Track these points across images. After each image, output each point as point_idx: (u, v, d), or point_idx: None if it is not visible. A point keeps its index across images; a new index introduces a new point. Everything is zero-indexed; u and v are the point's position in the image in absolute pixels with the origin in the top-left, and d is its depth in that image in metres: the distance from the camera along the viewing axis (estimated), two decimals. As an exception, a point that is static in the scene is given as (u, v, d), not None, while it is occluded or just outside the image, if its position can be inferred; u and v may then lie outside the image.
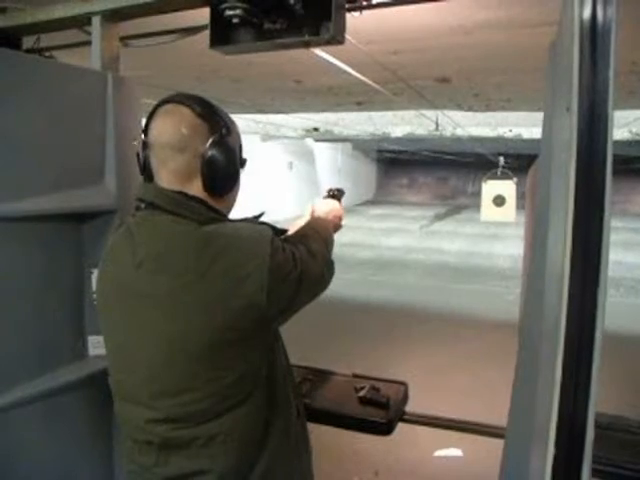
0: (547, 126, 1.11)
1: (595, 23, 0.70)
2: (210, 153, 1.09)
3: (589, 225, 0.71)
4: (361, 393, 1.77)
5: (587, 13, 0.70)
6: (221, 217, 1.13)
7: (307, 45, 1.39)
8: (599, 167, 0.69)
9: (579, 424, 0.70)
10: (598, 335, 0.70)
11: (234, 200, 1.22)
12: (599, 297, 0.70)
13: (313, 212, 1.51)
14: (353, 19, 1.54)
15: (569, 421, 0.70)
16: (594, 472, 0.73)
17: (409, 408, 1.83)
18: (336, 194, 1.56)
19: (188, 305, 1.01)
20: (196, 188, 1.11)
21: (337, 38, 1.31)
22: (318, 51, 2.89)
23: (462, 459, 3.25)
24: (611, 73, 0.69)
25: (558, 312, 0.73)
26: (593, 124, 0.70)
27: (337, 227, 1.49)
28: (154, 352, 1.05)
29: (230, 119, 1.18)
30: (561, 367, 0.70)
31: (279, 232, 1.16)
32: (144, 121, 1.15)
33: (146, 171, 1.15)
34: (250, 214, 1.21)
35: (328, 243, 1.29)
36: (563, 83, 0.82)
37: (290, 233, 1.27)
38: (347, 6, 1.42)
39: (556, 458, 0.70)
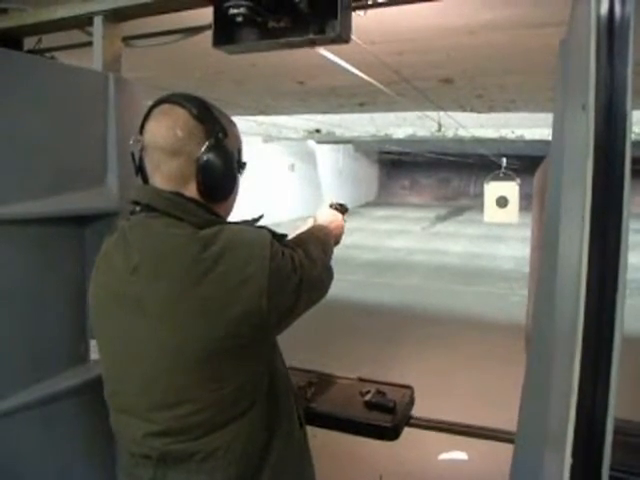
0: (558, 125, 1.09)
1: (613, 18, 0.67)
2: (205, 157, 1.05)
3: (607, 227, 0.68)
4: (367, 397, 1.75)
5: (604, 8, 0.68)
6: (219, 220, 1.09)
7: (313, 44, 1.37)
8: (618, 166, 0.67)
9: (598, 433, 0.67)
10: (617, 341, 0.67)
11: (232, 205, 1.18)
12: (618, 301, 0.68)
13: (315, 220, 1.48)
14: (357, 19, 1.52)
15: (587, 430, 0.68)
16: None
17: (414, 410, 1.81)
18: (338, 208, 1.53)
19: (185, 312, 0.98)
20: (192, 192, 1.07)
21: (343, 37, 1.28)
22: (323, 51, 2.87)
23: (467, 463, 3.23)
24: (629, 70, 0.67)
25: (574, 317, 0.70)
26: (611, 122, 0.68)
27: (337, 239, 1.45)
28: (150, 362, 1.01)
29: (229, 121, 1.14)
30: (578, 374, 0.68)
31: (278, 236, 1.13)
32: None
33: (141, 173, 1.12)
34: (249, 217, 1.16)
35: (327, 250, 1.26)
36: (577, 81, 0.80)
37: (290, 238, 1.24)
38: (352, 5, 1.40)
39: (573, 467, 0.68)
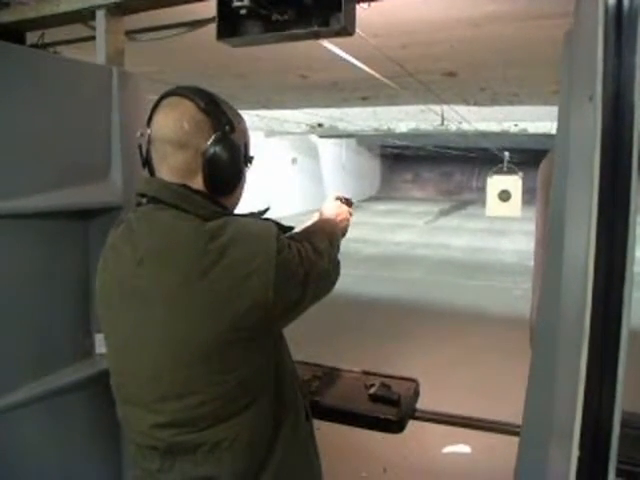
0: (564, 117, 1.08)
1: (621, 7, 0.67)
2: (212, 151, 1.05)
3: (614, 220, 0.68)
4: (371, 390, 1.74)
5: (612, -1, 0.68)
6: (226, 212, 1.09)
7: (317, 36, 1.36)
8: (625, 157, 0.67)
9: (605, 425, 0.67)
10: (624, 334, 0.67)
11: (238, 199, 1.18)
12: (625, 294, 0.68)
13: (321, 214, 1.47)
14: (361, 11, 1.51)
15: (594, 423, 0.68)
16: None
17: (418, 403, 1.81)
18: (344, 202, 1.53)
19: (191, 304, 0.98)
20: (198, 184, 1.07)
21: (347, 29, 1.28)
22: (326, 44, 2.87)
23: (470, 455, 3.24)
24: (638, 59, 0.67)
25: (581, 310, 0.70)
26: (618, 113, 0.68)
27: (344, 230, 1.45)
28: (156, 353, 1.01)
29: (236, 114, 1.14)
30: (585, 367, 0.68)
31: (285, 229, 1.12)
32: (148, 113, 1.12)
33: (148, 165, 1.12)
34: (255, 209, 1.16)
35: (334, 243, 1.25)
36: (584, 72, 0.80)
37: (296, 231, 1.23)
38: (356, -3, 1.39)
39: (581, 460, 0.68)
